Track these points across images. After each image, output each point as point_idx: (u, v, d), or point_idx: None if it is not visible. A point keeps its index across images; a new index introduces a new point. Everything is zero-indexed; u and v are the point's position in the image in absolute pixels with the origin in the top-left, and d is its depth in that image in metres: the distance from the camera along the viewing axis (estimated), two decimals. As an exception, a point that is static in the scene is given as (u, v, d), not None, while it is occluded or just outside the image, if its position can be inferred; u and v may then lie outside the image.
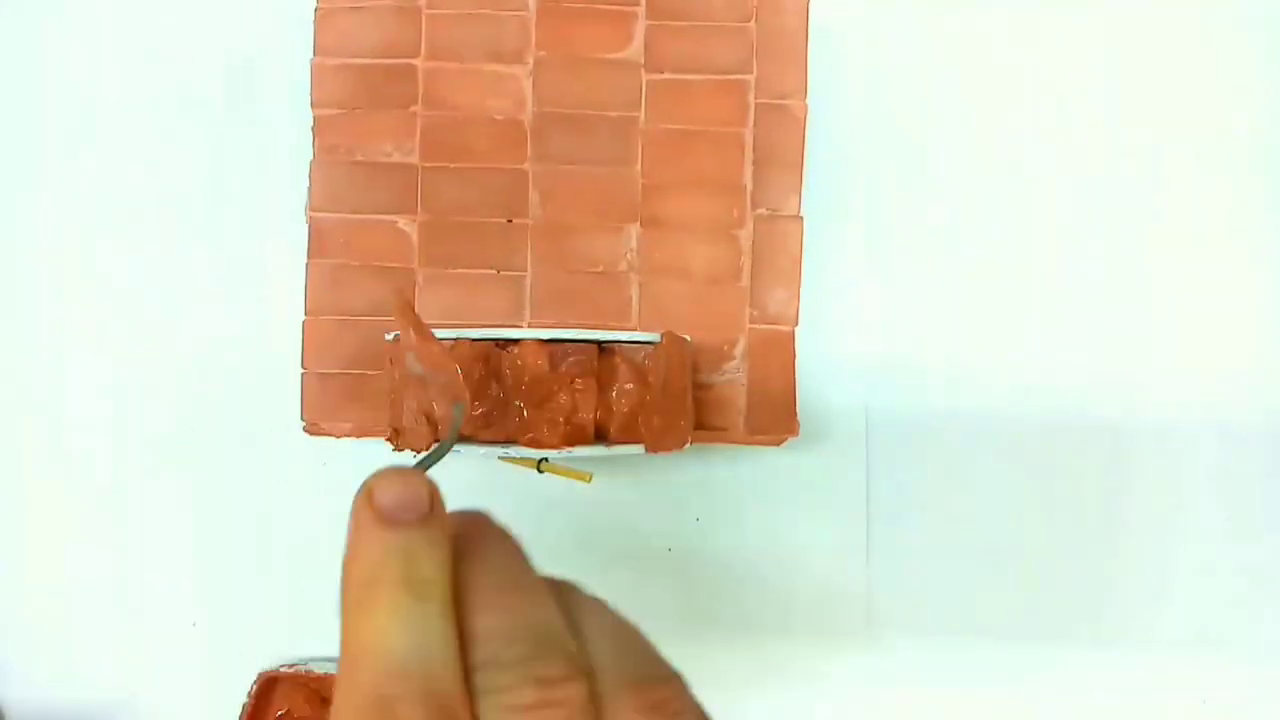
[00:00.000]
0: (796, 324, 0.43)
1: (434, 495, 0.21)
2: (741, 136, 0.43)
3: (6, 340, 0.43)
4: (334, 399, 0.43)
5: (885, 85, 0.44)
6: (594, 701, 0.19)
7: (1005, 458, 0.43)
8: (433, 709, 0.18)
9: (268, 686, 0.41)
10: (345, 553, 0.20)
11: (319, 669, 0.41)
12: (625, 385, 0.37)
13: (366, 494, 0.21)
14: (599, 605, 0.22)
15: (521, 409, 0.36)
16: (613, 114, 0.43)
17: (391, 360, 0.38)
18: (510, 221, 0.43)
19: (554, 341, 0.36)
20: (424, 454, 0.26)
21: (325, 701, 0.42)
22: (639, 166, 0.43)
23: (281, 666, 0.42)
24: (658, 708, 0.20)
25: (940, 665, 0.43)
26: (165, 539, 0.43)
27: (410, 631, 0.19)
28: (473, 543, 0.22)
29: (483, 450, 0.36)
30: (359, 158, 0.43)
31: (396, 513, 0.21)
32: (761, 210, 0.43)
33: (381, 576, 0.20)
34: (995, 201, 0.43)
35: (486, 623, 0.20)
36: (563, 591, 0.23)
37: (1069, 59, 0.44)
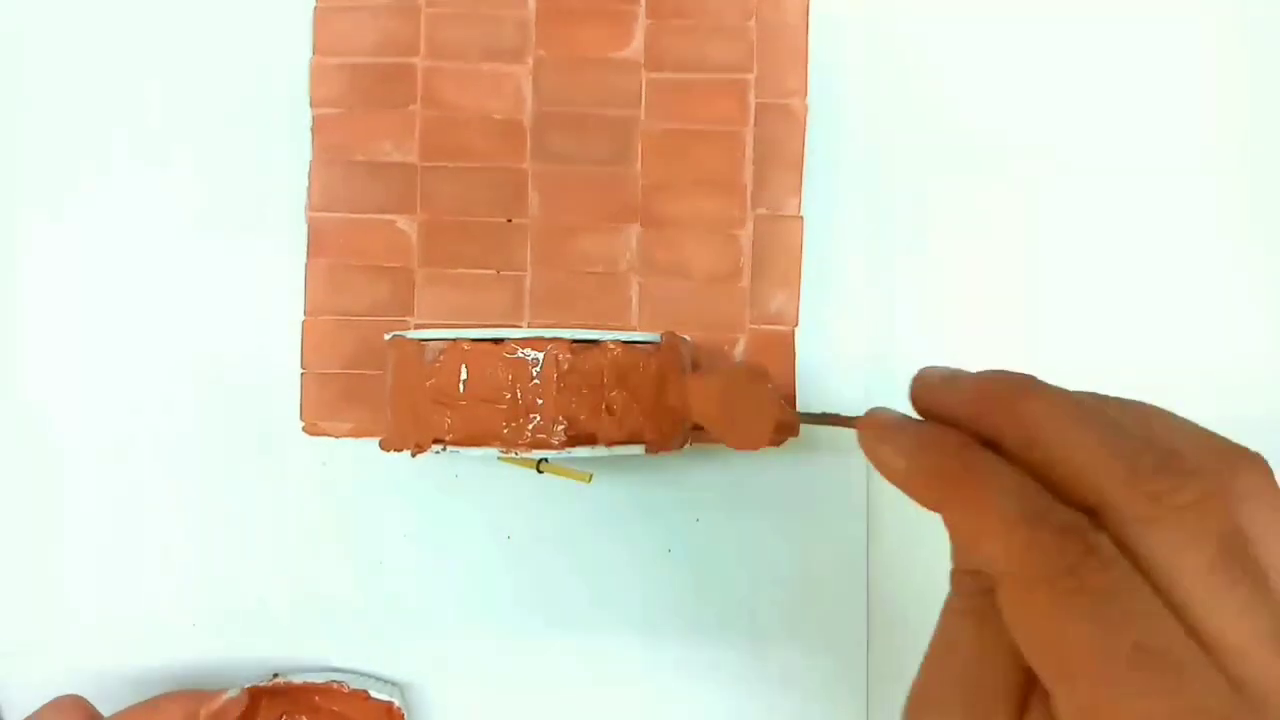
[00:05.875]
0: (796, 324, 0.43)
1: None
2: (741, 136, 0.43)
3: (6, 340, 0.43)
4: (334, 399, 0.43)
5: (885, 85, 0.44)
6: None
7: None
8: None
9: (250, 703, 0.41)
10: None
11: (298, 680, 0.41)
12: (625, 385, 0.37)
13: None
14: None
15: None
16: (613, 114, 0.43)
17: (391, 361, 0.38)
18: (510, 221, 0.43)
19: (554, 341, 0.36)
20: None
21: (315, 710, 0.42)
22: (639, 166, 0.43)
23: (261, 682, 0.41)
24: (1170, 502, 0.19)
25: (940, 665, 0.42)
26: (164, 539, 0.43)
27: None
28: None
29: (482, 450, 0.36)
30: (358, 157, 0.43)
31: None
32: (761, 210, 0.43)
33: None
34: (995, 201, 0.43)
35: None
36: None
37: (1069, 58, 0.44)
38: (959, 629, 0.22)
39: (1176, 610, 0.19)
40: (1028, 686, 0.21)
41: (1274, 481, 0.21)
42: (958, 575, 0.23)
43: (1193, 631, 0.19)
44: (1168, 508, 0.19)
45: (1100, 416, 0.21)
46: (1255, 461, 0.21)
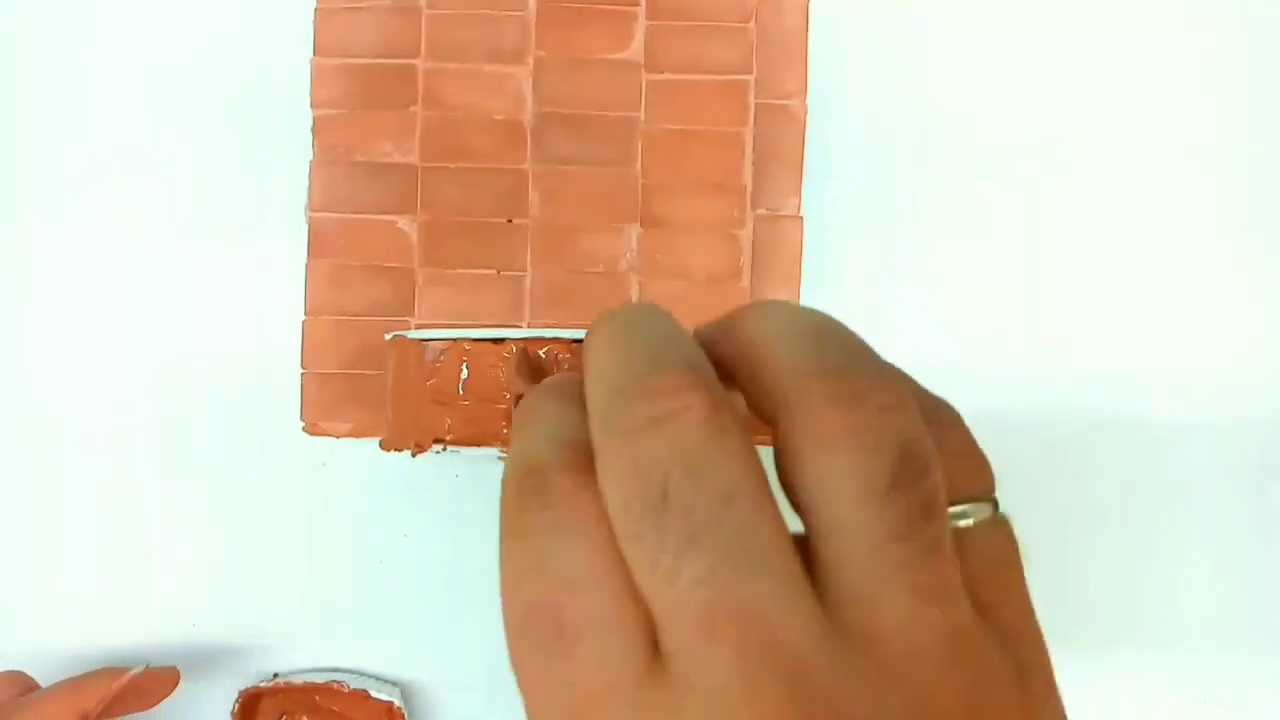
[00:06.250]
0: (796, 324, 0.43)
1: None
2: (741, 136, 0.43)
3: (6, 340, 0.43)
4: (334, 399, 0.43)
5: (885, 85, 0.44)
6: (723, 409, 0.16)
7: (1004, 457, 0.43)
8: None
9: (250, 704, 0.41)
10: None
11: (298, 680, 0.41)
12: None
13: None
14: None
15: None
16: (613, 114, 0.43)
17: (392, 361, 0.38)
18: (510, 221, 0.43)
19: (554, 341, 0.36)
20: None
21: (315, 710, 0.42)
22: (639, 166, 0.43)
23: (261, 682, 0.41)
24: (855, 399, 0.16)
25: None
26: (164, 539, 0.43)
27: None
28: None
29: (482, 450, 0.36)
30: (359, 158, 0.43)
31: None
32: (761, 210, 0.43)
33: None
34: (995, 201, 0.43)
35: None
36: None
37: (1069, 58, 0.44)
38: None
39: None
40: None
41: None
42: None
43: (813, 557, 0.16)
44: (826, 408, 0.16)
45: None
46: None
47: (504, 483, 0.17)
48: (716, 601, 0.14)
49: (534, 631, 0.16)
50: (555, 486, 0.16)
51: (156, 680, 0.40)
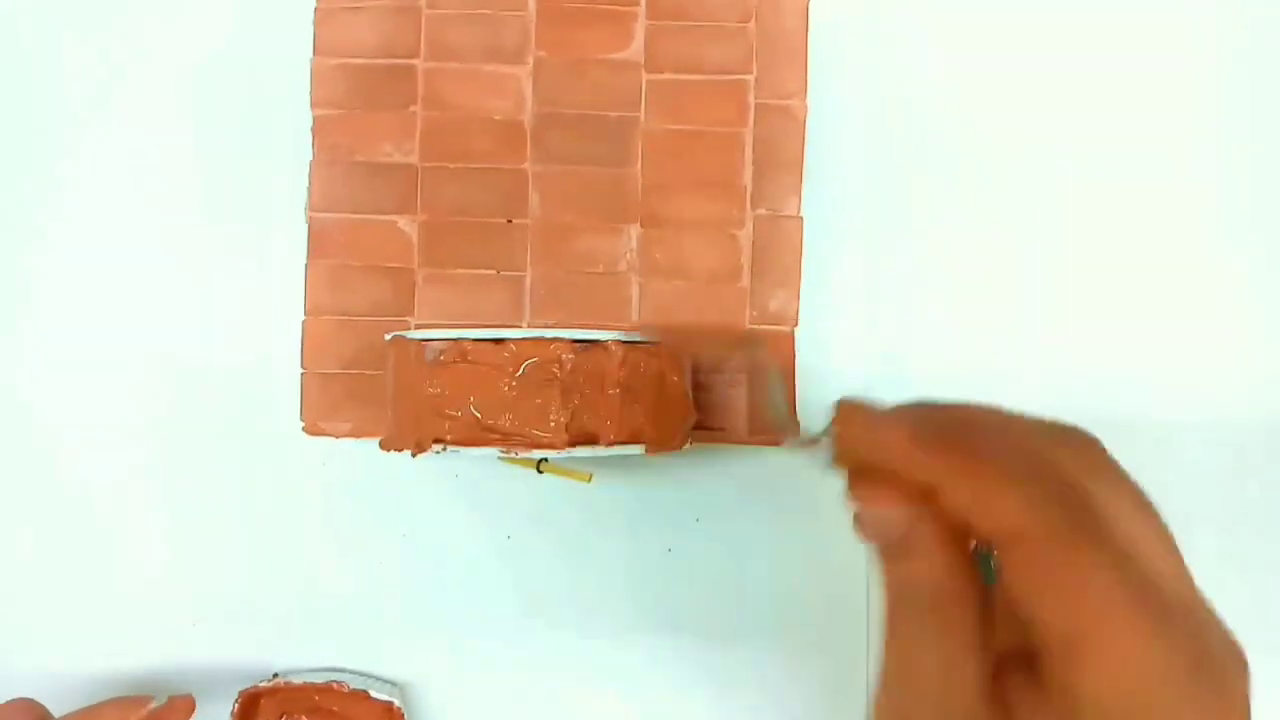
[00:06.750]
0: (796, 324, 0.43)
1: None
2: (741, 136, 0.43)
3: (6, 340, 0.43)
4: (334, 399, 0.43)
5: (885, 85, 0.44)
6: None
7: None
8: None
9: (250, 704, 0.41)
10: None
11: (298, 680, 0.41)
12: (625, 385, 0.37)
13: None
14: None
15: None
16: (613, 114, 0.43)
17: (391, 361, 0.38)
18: (510, 221, 0.43)
19: (554, 341, 0.36)
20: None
21: (315, 710, 0.42)
22: (639, 166, 0.43)
23: (261, 682, 0.41)
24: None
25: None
26: (165, 539, 0.43)
27: None
28: None
29: (482, 450, 0.36)
30: (359, 158, 0.43)
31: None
32: (761, 210, 0.43)
33: None
34: (995, 201, 0.43)
35: None
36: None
37: (1069, 58, 0.44)
38: (919, 633, 0.22)
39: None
40: (995, 678, 0.22)
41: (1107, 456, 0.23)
42: (911, 569, 0.23)
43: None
44: (1103, 458, 0.22)
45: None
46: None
47: (1040, 492, 0.21)
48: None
49: (1155, 608, 0.19)
50: (1092, 501, 0.21)
51: (174, 710, 0.40)
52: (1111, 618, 0.19)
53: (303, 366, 0.43)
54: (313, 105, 0.43)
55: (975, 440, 0.22)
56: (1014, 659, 0.21)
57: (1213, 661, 0.20)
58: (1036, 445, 0.21)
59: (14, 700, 0.38)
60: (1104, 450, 0.21)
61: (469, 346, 0.36)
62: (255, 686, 0.41)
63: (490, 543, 0.43)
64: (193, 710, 0.40)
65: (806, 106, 0.43)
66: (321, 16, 0.43)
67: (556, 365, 0.36)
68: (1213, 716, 0.19)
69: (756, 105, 0.43)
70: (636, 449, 0.37)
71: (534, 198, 0.43)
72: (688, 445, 0.39)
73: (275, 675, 0.42)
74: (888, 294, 0.43)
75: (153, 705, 0.38)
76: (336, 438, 0.43)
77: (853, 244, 0.43)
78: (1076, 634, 0.19)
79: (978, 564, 0.22)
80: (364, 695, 0.41)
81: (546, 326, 0.42)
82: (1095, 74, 0.44)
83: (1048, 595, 0.20)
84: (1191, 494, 0.43)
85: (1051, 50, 0.44)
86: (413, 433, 0.37)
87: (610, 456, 0.37)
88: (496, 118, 0.43)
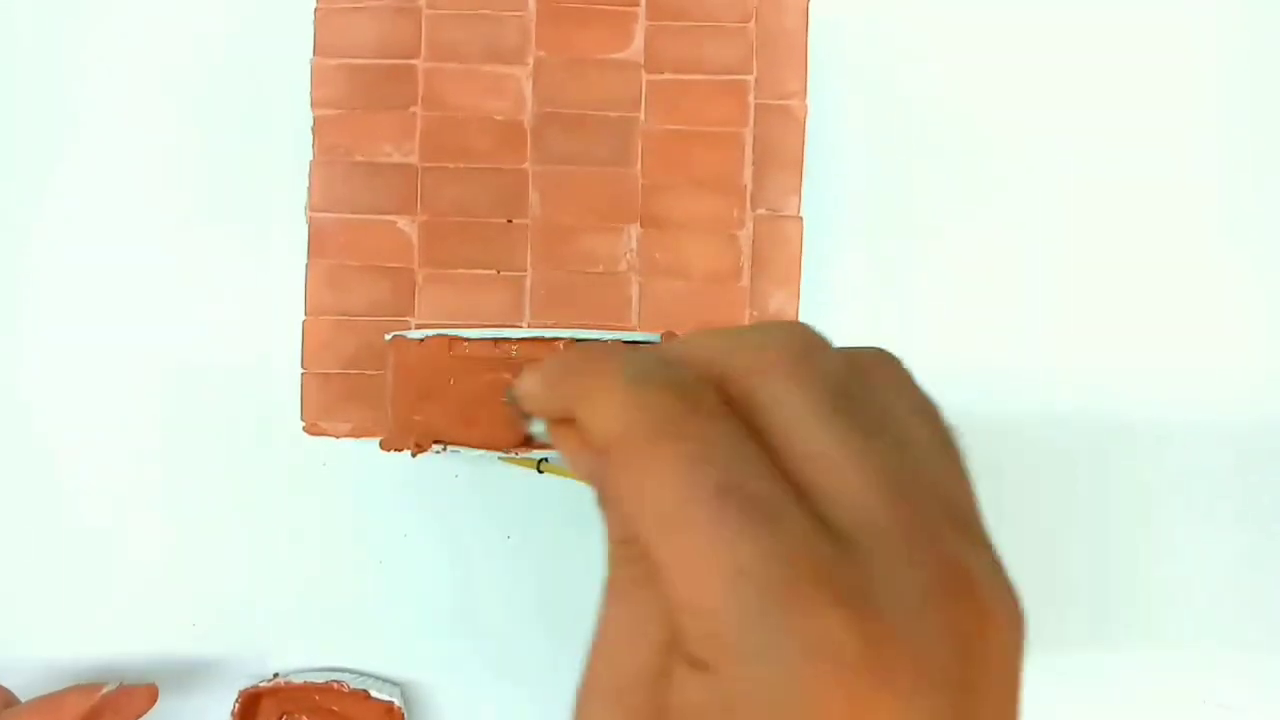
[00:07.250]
0: (796, 324, 0.43)
1: None
2: (741, 136, 0.43)
3: (6, 340, 0.43)
4: (334, 399, 0.43)
5: (885, 85, 0.44)
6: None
7: (1004, 456, 0.43)
8: None
9: (250, 703, 0.41)
10: None
11: (298, 680, 0.41)
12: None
13: None
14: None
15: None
16: (613, 114, 0.43)
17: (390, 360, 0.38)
18: (510, 221, 0.43)
19: (554, 341, 0.36)
20: None
21: (315, 710, 0.42)
22: (639, 166, 0.43)
23: (261, 682, 0.41)
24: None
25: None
26: (164, 538, 0.43)
27: None
28: None
29: (482, 450, 0.36)
30: (359, 158, 0.43)
31: None
32: (761, 210, 0.43)
33: None
34: (995, 201, 0.43)
35: None
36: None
37: (1069, 57, 0.44)
38: (609, 604, 0.20)
39: (785, 461, 0.17)
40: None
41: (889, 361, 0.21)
42: (613, 547, 0.21)
43: (800, 482, 0.17)
44: (779, 360, 0.18)
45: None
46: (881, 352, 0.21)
47: (636, 397, 0.18)
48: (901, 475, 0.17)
49: (733, 506, 0.16)
50: (705, 402, 0.18)
51: (131, 697, 0.40)
52: (684, 522, 0.16)
53: (303, 366, 0.43)
54: (313, 105, 0.43)
55: (598, 363, 0.19)
56: None
57: (835, 587, 0.16)
58: (705, 355, 0.19)
59: None
60: (788, 358, 0.18)
61: (469, 346, 0.36)
62: (255, 686, 0.41)
63: (490, 543, 0.43)
64: (154, 699, 0.40)
65: (806, 106, 0.43)
66: (321, 16, 0.43)
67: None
68: (792, 652, 0.15)
69: (756, 105, 0.43)
70: (636, 449, 0.37)
71: (534, 198, 0.43)
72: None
73: (275, 675, 0.42)
74: (888, 293, 0.43)
75: (105, 690, 0.39)
76: (336, 438, 0.43)
77: (853, 243, 0.43)
78: (654, 543, 0.17)
79: None
80: (364, 695, 0.41)
81: (547, 326, 0.42)
82: (1096, 73, 0.44)
83: (629, 504, 0.18)
84: (1191, 494, 0.43)
85: (1052, 49, 0.44)
86: (413, 432, 0.37)
87: (610, 456, 0.36)
88: (496, 118, 0.43)
